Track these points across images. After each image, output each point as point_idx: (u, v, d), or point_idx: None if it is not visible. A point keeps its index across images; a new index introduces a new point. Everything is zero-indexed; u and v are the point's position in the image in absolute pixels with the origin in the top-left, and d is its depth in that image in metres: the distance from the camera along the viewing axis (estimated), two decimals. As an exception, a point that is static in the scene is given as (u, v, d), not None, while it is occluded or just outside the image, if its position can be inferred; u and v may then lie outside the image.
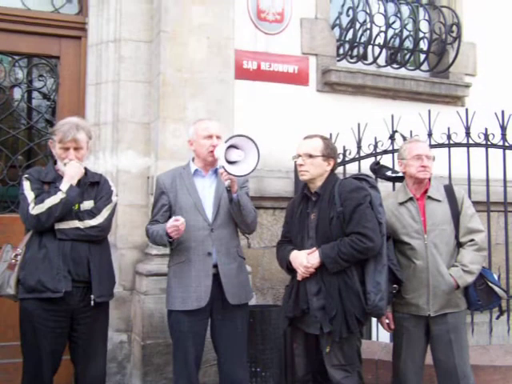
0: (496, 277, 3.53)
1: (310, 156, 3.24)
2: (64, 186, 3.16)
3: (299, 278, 3.17)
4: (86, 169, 3.38)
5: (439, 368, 3.41)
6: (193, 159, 3.53)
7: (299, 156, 3.29)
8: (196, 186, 3.43)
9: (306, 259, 3.13)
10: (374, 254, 3.12)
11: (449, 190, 3.50)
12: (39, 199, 3.13)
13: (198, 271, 3.31)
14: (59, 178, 3.24)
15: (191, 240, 3.34)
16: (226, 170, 3.14)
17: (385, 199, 3.65)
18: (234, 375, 3.37)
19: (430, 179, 3.52)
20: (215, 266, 3.33)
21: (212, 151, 3.36)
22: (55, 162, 3.35)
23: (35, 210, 3.10)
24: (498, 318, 4.19)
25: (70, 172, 3.21)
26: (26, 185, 3.20)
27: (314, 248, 3.14)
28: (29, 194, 3.17)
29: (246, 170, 3.22)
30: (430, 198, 3.46)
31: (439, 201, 3.45)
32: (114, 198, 3.38)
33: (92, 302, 3.17)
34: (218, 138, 3.40)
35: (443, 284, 3.33)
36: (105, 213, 3.29)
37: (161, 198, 3.46)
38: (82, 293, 3.18)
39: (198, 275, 3.30)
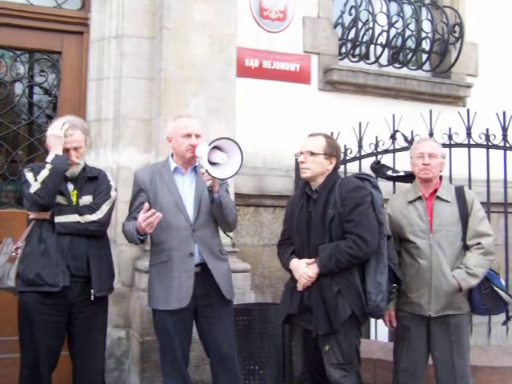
0: (503, 282, 3.50)
1: (312, 154, 3.23)
2: (49, 157, 3.21)
3: (300, 288, 3.18)
4: (84, 163, 3.40)
5: (437, 368, 3.41)
6: (172, 155, 3.46)
7: (301, 153, 3.28)
8: (177, 185, 3.36)
9: (306, 270, 3.13)
10: (370, 256, 3.13)
11: (459, 192, 3.47)
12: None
13: (180, 271, 3.25)
14: None
15: (173, 240, 3.27)
16: (208, 173, 3.08)
17: (395, 197, 3.68)
18: (224, 376, 3.33)
19: (441, 179, 3.51)
20: (197, 266, 3.28)
21: (190, 150, 3.29)
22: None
23: (32, 188, 3.13)
24: (504, 323, 4.16)
25: (50, 143, 3.27)
26: (29, 175, 3.23)
27: (313, 259, 3.14)
28: (32, 180, 3.19)
29: (229, 173, 3.17)
30: (438, 198, 3.44)
31: (448, 201, 3.42)
32: (113, 193, 3.39)
33: (92, 297, 3.18)
34: (197, 136, 3.32)
35: (445, 285, 3.31)
36: (104, 208, 3.30)
37: (139, 196, 3.36)
38: (81, 287, 3.19)
39: (179, 275, 3.25)
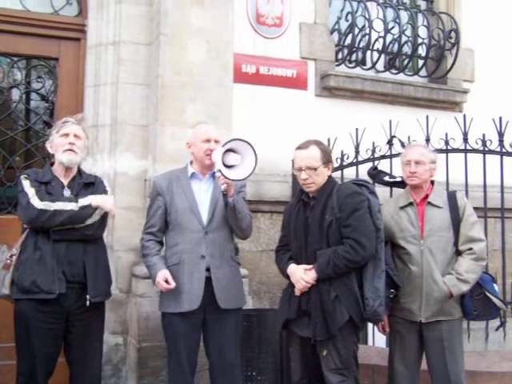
0: (497, 287, 3.48)
1: (314, 169, 3.21)
2: (84, 200, 3.17)
3: (297, 293, 3.18)
4: (81, 169, 3.41)
5: (432, 373, 3.41)
6: (191, 162, 3.53)
7: (301, 169, 3.23)
8: (193, 189, 3.43)
9: (304, 276, 3.13)
10: (368, 261, 3.14)
11: (451, 197, 3.46)
12: (46, 196, 3.14)
13: (191, 274, 3.30)
14: (55, 179, 3.27)
15: (185, 242, 3.34)
16: (222, 174, 3.13)
17: (387, 203, 3.67)
18: (224, 381, 3.34)
19: (433, 184, 3.52)
20: (208, 269, 3.32)
21: (209, 154, 3.36)
22: (52, 164, 3.36)
23: (41, 204, 3.10)
24: (497, 329, 4.17)
25: (101, 200, 3.25)
26: (26, 183, 3.21)
27: (311, 266, 3.14)
28: (29, 190, 3.17)
29: (243, 174, 3.21)
30: (429, 203, 3.44)
31: (439, 207, 3.42)
32: None
33: (87, 303, 3.16)
34: (216, 142, 3.40)
35: (436, 291, 3.31)
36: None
37: (157, 200, 3.45)
38: (77, 294, 3.17)
39: (190, 278, 3.30)
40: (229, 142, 3.20)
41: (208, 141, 3.40)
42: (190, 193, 3.41)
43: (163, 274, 3.27)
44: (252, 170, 3.21)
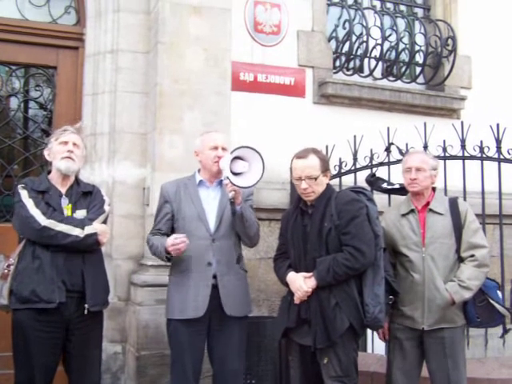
0: (500, 294, 3.46)
1: (314, 178, 3.20)
2: (90, 228, 3.16)
3: (297, 301, 3.17)
4: (78, 178, 3.41)
5: (433, 381, 3.40)
6: (198, 170, 3.55)
7: (301, 179, 3.23)
8: (200, 197, 3.44)
9: (303, 284, 3.12)
10: (367, 268, 3.13)
11: (453, 203, 3.45)
12: (45, 208, 3.13)
13: (198, 281, 3.30)
14: (52, 187, 3.26)
15: (192, 249, 3.32)
16: (230, 181, 3.14)
17: (388, 210, 3.67)
18: None
19: (434, 191, 3.51)
20: (215, 277, 3.32)
21: (217, 161, 3.38)
22: (49, 172, 3.36)
23: (47, 222, 3.09)
24: (501, 336, 4.15)
25: (106, 228, 3.29)
26: (23, 193, 3.19)
27: (311, 274, 3.14)
28: (27, 201, 3.16)
29: (251, 181, 3.22)
30: (431, 210, 3.43)
31: (441, 214, 3.41)
32: (106, 208, 3.39)
33: (86, 311, 3.15)
34: (223, 149, 3.42)
35: (438, 298, 3.30)
36: (97, 222, 3.28)
37: (164, 207, 3.46)
38: (77, 303, 3.16)
39: (197, 285, 3.30)
40: (236, 149, 3.21)
41: (216, 148, 3.42)
42: (198, 200, 3.43)
43: (171, 238, 3.23)
44: (260, 177, 3.22)
